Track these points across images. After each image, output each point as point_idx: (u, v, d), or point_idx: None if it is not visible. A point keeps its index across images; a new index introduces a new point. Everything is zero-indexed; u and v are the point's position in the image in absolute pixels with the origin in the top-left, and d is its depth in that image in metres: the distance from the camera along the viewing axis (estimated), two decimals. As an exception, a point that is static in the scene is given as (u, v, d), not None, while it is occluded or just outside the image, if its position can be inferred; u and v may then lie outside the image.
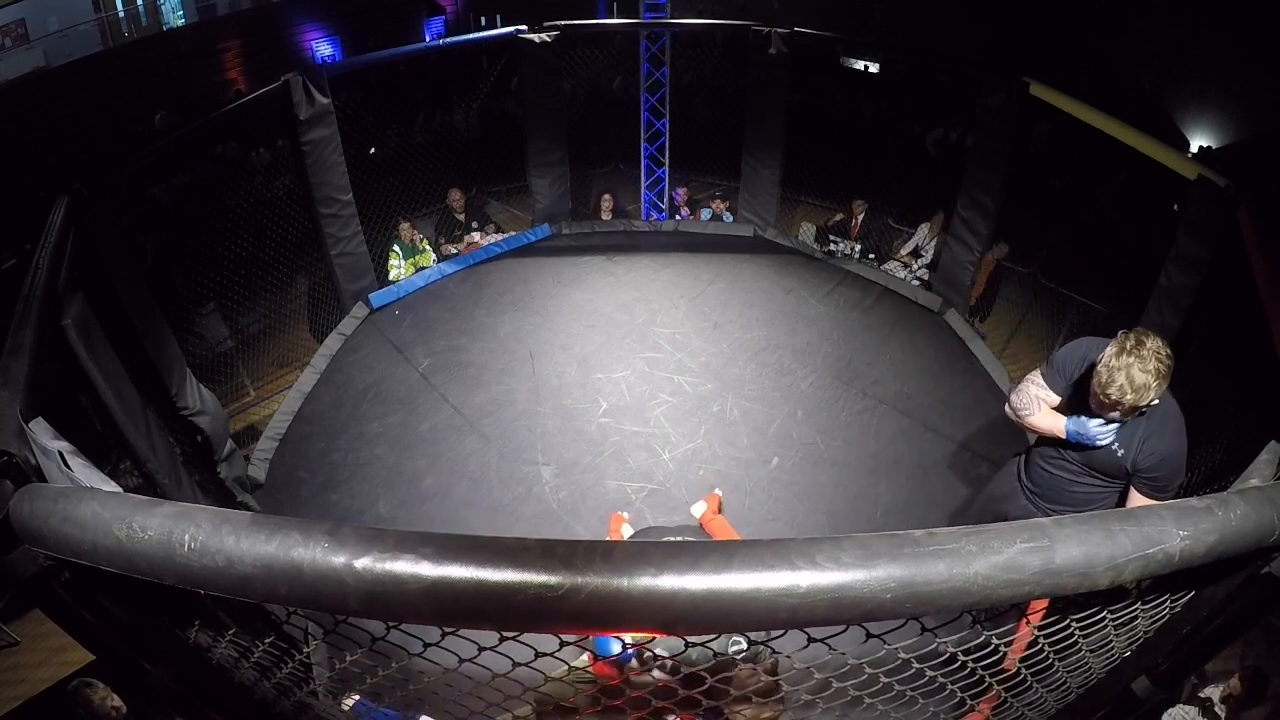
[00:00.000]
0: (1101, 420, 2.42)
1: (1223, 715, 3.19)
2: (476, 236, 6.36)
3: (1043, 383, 2.52)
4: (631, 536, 2.89)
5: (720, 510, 3.85)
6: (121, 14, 12.10)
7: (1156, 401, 2.17)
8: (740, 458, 4.23)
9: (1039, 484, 2.65)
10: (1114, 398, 2.14)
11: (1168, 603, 1.06)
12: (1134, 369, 2.10)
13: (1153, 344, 2.11)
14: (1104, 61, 8.62)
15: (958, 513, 3.86)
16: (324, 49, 13.62)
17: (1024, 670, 1.24)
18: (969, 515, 3.51)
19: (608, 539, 3.32)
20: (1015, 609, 0.87)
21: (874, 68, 10.70)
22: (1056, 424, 2.53)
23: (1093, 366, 2.22)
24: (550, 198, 6.35)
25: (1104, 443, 2.46)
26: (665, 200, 6.91)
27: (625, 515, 3.80)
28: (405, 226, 5.85)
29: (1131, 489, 2.40)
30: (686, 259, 6.17)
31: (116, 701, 2.66)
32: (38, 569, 0.84)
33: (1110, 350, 2.16)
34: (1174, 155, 3.79)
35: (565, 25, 5.69)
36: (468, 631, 0.76)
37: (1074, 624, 1.11)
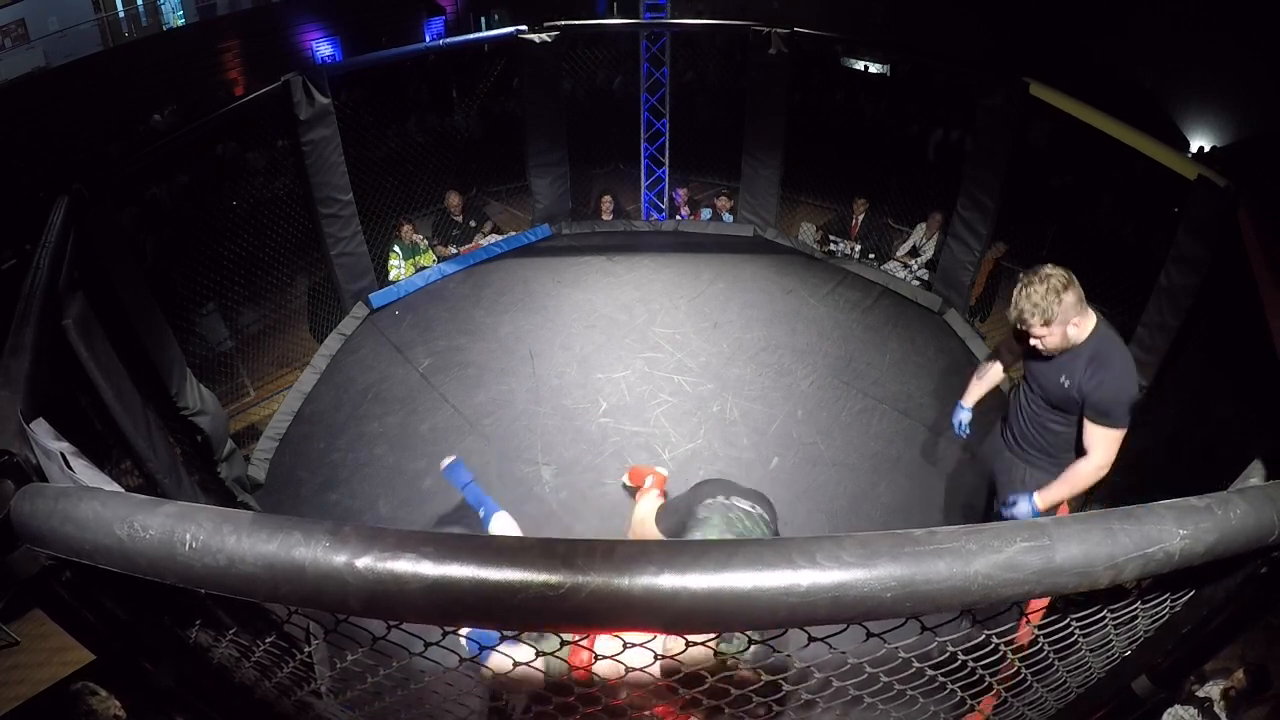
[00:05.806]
0: (969, 415, 3.14)
1: (1222, 714, 3.19)
2: (481, 239, 6.37)
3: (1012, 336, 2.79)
4: (696, 486, 2.56)
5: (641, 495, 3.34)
6: (121, 14, 12.12)
7: (1078, 329, 2.40)
8: (740, 458, 4.22)
9: (1016, 430, 2.83)
10: (1026, 322, 2.39)
11: (1168, 602, 1.06)
12: (1031, 291, 2.36)
13: (1046, 269, 2.37)
14: (1104, 61, 8.62)
15: (967, 504, 3.86)
16: (324, 49, 13.63)
17: (1024, 670, 1.24)
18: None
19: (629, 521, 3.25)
20: (1015, 608, 0.87)
21: (874, 68, 10.71)
22: (969, 394, 3.16)
23: None
24: (550, 198, 6.35)
25: (957, 432, 3.20)
26: (665, 200, 6.91)
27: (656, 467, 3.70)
28: (406, 227, 5.86)
29: (1084, 421, 2.52)
30: (686, 259, 6.17)
31: (119, 709, 2.65)
32: (38, 569, 0.84)
33: (1014, 290, 2.44)
34: (1174, 155, 3.79)
35: (565, 25, 5.69)
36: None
37: (1074, 623, 1.11)
